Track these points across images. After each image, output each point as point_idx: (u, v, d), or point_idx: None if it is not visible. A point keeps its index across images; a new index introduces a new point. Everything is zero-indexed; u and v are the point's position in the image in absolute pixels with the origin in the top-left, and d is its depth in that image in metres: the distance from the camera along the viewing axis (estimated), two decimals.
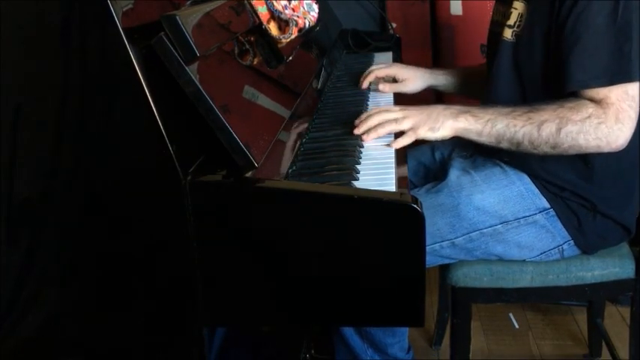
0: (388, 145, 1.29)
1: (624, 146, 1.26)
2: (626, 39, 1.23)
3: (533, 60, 1.36)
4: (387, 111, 1.34)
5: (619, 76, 1.24)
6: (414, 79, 1.69)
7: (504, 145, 1.30)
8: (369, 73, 1.71)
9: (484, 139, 1.31)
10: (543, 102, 1.29)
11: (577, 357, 1.94)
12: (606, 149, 1.26)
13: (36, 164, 0.98)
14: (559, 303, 2.14)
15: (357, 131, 1.32)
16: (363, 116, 1.35)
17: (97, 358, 1.07)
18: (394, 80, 1.71)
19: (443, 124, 1.30)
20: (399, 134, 1.32)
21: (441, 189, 1.42)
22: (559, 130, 1.25)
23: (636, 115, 1.25)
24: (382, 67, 1.73)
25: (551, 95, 1.31)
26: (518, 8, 1.40)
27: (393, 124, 1.30)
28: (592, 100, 1.25)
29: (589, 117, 1.24)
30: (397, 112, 1.32)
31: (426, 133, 1.30)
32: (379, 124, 1.31)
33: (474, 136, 1.31)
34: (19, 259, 1.02)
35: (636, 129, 1.37)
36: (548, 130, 1.26)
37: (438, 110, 1.32)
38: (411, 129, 1.30)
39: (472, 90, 1.71)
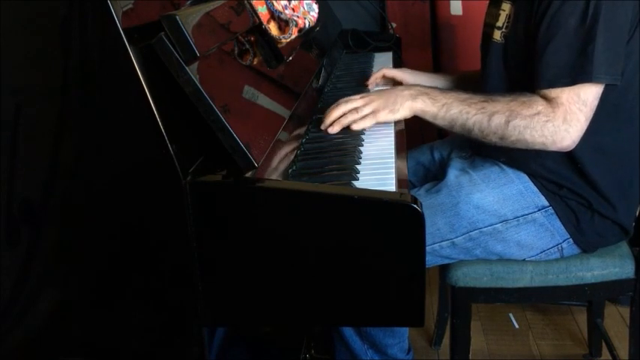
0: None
1: (571, 147, 1.29)
2: (591, 39, 1.24)
3: (520, 61, 1.38)
4: (347, 101, 1.39)
5: (580, 76, 1.25)
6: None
7: (457, 129, 1.35)
8: (378, 72, 1.73)
9: (439, 122, 1.36)
10: (500, 93, 1.34)
11: (577, 357, 1.94)
12: (552, 147, 1.29)
13: (36, 164, 0.98)
14: (559, 303, 2.14)
15: (322, 127, 1.37)
16: (328, 111, 1.39)
17: (97, 358, 1.07)
18: (400, 84, 1.72)
19: (402, 105, 1.36)
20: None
21: (441, 188, 1.43)
22: (507, 122, 1.29)
23: (586, 119, 1.27)
24: (392, 69, 1.75)
25: None
26: (505, 10, 1.42)
27: (354, 114, 1.36)
28: (545, 98, 1.28)
29: (538, 114, 1.27)
30: (357, 101, 1.38)
31: (387, 116, 1.36)
32: (342, 116, 1.36)
33: (429, 118, 1.36)
34: (19, 259, 1.02)
35: (632, 129, 1.38)
36: (498, 121, 1.29)
37: (396, 92, 1.39)
38: (372, 113, 1.36)
39: None
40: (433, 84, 1.71)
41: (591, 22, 1.24)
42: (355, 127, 1.35)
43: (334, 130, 1.36)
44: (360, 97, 1.40)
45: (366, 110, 1.36)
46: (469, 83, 1.68)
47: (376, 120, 1.36)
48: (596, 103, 1.28)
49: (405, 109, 1.36)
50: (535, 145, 1.29)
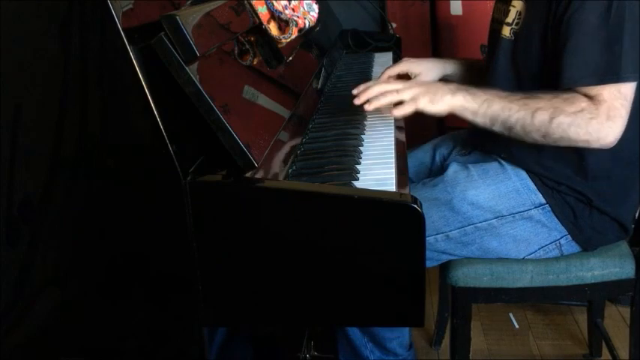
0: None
1: (613, 144, 1.27)
2: (617, 39, 1.24)
3: (531, 58, 1.37)
4: (387, 82, 1.36)
5: (608, 76, 1.25)
6: (427, 72, 1.64)
7: (497, 127, 1.31)
8: (382, 75, 1.68)
9: (479, 120, 1.31)
10: (540, 91, 1.31)
11: (577, 357, 1.94)
12: (595, 145, 1.27)
13: (36, 164, 0.98)
14: (559, 303, 2.14)
15: (357, 101, 1.33)
16: (362, 87, 1.35)
17: (97, 358, 1.07)
18: (407, 76, 1.69)
19: (442, 99, 1.30)
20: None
21: (437, 183, 1.43)
22: (552, 119, 1.26)
23: (627, 114, 1.26)
24: (393, 66, 1.68)
25: None
26: (516, 6, 1.41)
27: (394, 94, 1.31)
28: (586, 95, 1.26)
29: (582, 111, 1.25)
30: (399, 84, 1.35)
31: (426, 105, 1.30)
32: (380, 94, 1.32)
33: (469, 115, 1.32)
34: (19, 259, 1.02)
35: (634, 126, 1.38)
36: (542, 117, 1.26)
37: (437, 85, 1.35)
38: (412, 99, 1.30)
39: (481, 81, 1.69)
40: (443, 69, 1.66)
41: (616, 21, 1.23)
42: (396, 113, 1.30)
43: (370, 107, 1.31)
44: (401, 82, 1.36)
45: (406, 94, 1.30)
46: (475, 72, 1.66)
47: (416, 107, 1.29)
48: (632, 96, 1.27)
49: (444, 103, 1.30)
50: (578, 142, 1.27)
